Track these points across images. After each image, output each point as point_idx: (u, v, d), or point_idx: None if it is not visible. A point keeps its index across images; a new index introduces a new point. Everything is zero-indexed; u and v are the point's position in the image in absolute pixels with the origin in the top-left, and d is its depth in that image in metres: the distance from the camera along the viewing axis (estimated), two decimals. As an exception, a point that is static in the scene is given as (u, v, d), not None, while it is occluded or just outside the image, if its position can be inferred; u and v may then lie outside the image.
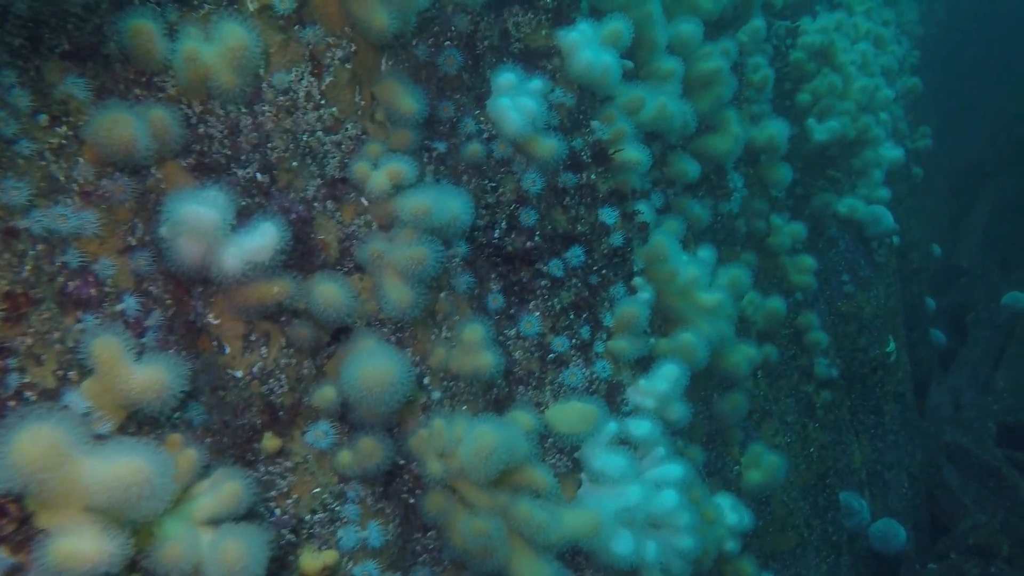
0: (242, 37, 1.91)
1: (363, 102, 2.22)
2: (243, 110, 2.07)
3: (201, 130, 2.03)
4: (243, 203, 2.04)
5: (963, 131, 12.81)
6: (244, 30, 1.91)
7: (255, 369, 1.99)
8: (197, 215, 1.76)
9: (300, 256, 2.12)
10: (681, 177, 3.45)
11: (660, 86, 3.38)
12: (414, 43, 2.38)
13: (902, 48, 8.04)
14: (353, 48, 2.18)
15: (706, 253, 3.43)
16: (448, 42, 2.43)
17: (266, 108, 2.10)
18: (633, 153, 2.76)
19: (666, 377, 2.69)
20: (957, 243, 11.05)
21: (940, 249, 9.69)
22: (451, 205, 2.11)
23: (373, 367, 1.89)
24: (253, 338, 1.99)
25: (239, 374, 1.96)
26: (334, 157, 2.18)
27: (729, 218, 4.05)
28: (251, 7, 2.06)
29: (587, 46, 2.60)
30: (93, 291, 1.75)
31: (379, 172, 2.12)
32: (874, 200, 5.65)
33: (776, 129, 4.33)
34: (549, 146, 2.47)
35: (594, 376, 2.59)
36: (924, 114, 10.11)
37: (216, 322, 1.96)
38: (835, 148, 5.39)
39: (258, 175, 2.11)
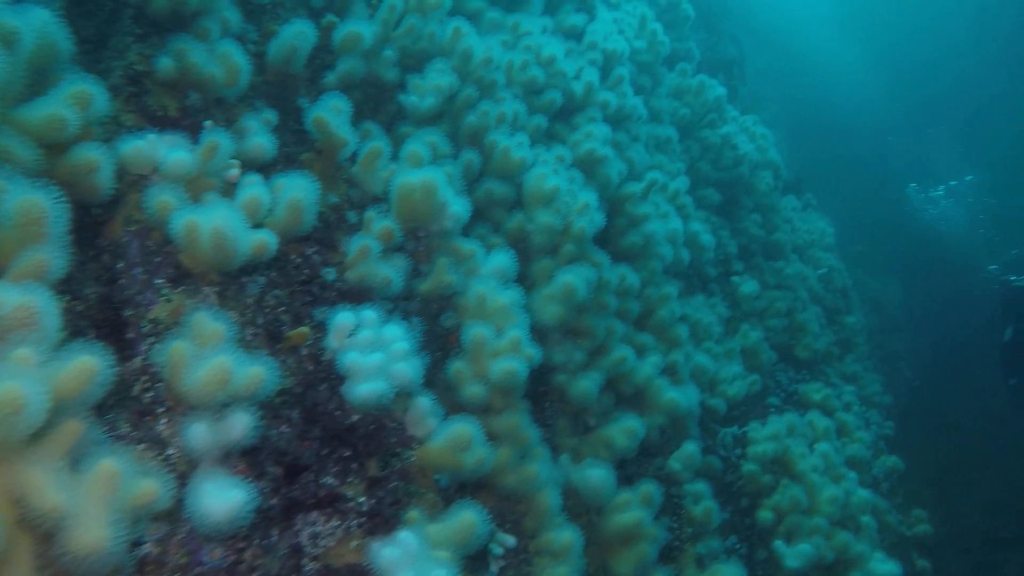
0: None
1: None
2: None
3: None
4: None
5: (971, 496, 11.94)
6: None
7: None
8: None
9: None
10: None
11: (556, 564, 2.63)
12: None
13: (871, 432, 7.55)
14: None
15: None
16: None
17: None
18: None
19: None
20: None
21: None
22: None
23: None
24: None
25: None
26: None
27: None
28: None
29: (409, 565, 1.89)
30: None
31: None
32: (876, 636, 4.61)
33: (729, 577, 3.50)
34: None
35: None
36: (916, 487, 9.35)
37: None
38: (814, 575, 4.50)
39: None
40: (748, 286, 6.49)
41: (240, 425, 1.82)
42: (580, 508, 3.17)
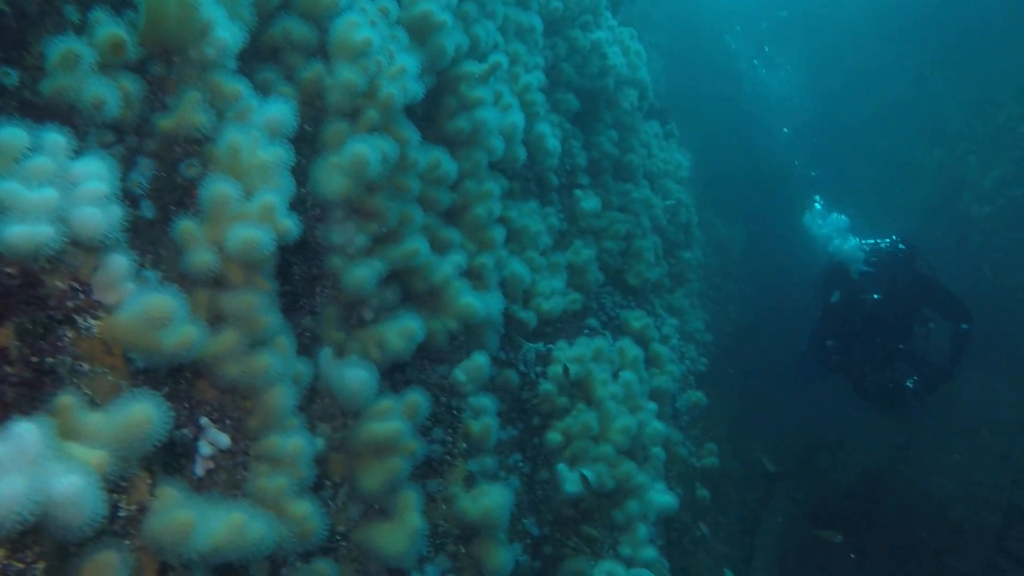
0: None
1: None
2: None
3: None
4: None
5: (760, 435, 12.80)
6: None
7: None
8: None
9: None
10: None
11: (274, 474, 2.25)
12: None
13: (682, 367, 7.69)
14: None
15: None
16: None
17: None
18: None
19: None
20: (752, 559, 10.38)
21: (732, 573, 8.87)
22: None
23: None
24: None
25: None
26: None
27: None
28: None
29: (21, 467, 1.43)
30: None
31: None
32: (638, 562, 4.67)
33: (495, 500, 3.30)
34: None
35: None
36: (715, 423, 9.82)
37: None
38: (591, 500, 4.45)
39: None
40: (589, 202, 6.23)
41: None
42: (335, 410, 2.81)
